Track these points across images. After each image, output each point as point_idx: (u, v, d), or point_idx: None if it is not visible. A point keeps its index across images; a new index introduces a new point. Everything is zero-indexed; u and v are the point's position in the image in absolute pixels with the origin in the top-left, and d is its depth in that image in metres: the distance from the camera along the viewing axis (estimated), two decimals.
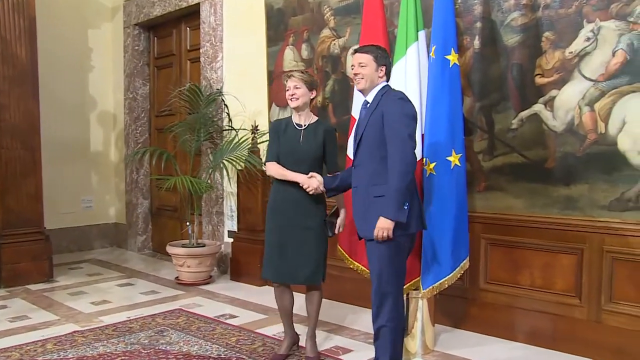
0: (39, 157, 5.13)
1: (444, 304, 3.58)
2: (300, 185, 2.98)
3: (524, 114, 3.38)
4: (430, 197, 3.12)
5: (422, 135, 3.22)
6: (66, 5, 6.34)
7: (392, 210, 2.57)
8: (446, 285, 3.16)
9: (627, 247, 3.05)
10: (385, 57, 2.78)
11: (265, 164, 3.21)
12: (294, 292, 3.24)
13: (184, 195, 5.17)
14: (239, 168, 4.96)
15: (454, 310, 3.69)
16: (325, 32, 4.43)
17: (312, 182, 2.96)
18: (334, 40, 4.37)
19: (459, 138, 3.14)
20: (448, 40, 3.12)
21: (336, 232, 3.13)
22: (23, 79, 4.99)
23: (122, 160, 6.68)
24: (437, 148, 3.12)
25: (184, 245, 5.08)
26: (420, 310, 3.31)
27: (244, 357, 3.25)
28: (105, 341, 3.52)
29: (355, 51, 2.83)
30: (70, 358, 3.23)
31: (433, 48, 3.15)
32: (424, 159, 3.18)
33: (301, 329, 3.40)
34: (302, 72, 3.11)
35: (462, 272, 3.21)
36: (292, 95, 3.06)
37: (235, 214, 5.24)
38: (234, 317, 4.07)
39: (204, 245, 5.11)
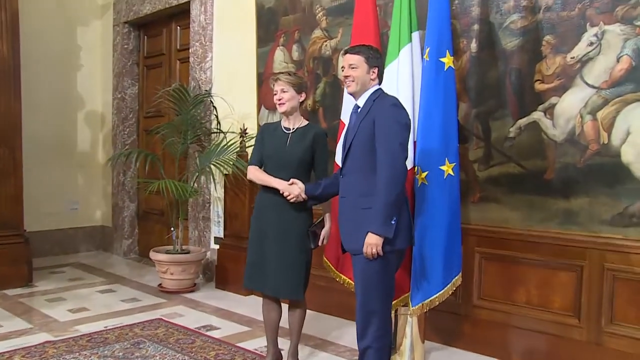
0: (20, 157, 4.94)
1: (435, 320, 3.40)
2: (281, 192, 2.80)
3: (523, 121, 3.20)
4: (421, 208, 2.94)
5: (415, 142, 3.04)
6: (53, 1, 6.15)
7: (378, 224, 2.40)
8: (437, 303, 2.98)
9: (629, 264, 2.87)
10: (377, 58, 2.61)
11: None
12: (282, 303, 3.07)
13: (170, 199, 4.99)
14: (226, 172, 4.79)
15: (445, 326, 3.51)
16: (317, 32, 4.25)
17: (293, 189, 2.79)
18: (325, 41, 4.20)
19: (453, 146, 2.96)
20: (443, 41, 2.94)
21: (320, 244, 2.94)
22: (4, 75, 4.81)
23: (108, 162, 6.49)
24: (429, 156, 2.94)
25: (167, 252, 4.90)
26: (409, 326, 3.12)
27: None
28: (78, 353, 3.34)
29: (346, 52, 2.65)
30: None
31: (427, 50, 2.98)
32: (416, 168, 3.00)
33: (285, 343, 3.22)
34: (290, 75, 2.93)
35: (454, 288, 3.02)
36: (280, 99, 2.89)
37: (222, 220, 5.06)
38: (216, 328, 3.89)
39: (188, 252, 4.93)
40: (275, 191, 2.84)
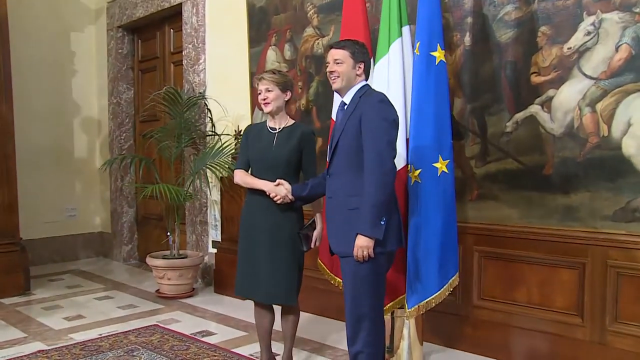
0: (14, 165, 4.87)
1: (434, 321, 3.31)
2: (267, 194, 2.71)
3: (519, 116, 3.11)
4: (415, 207, 2.84)
5: (407, 139, 2.95)
6: (45, 6, 6.08)
7: (368, 226, 2.31)
8: (433, 304, 2.88)
9: (633, 261, 2.76)
10: (363, 53, 2.52)
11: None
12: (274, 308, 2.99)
13: (167, 203, 4.92)
14: (222, 175, 4.71)
15: (445, 328, 3.41)
16: (309, 31, 4.17)
17: (279, 190, 2.70)
18: (317, 39, 4.11)
19: (447, 142, 2.86)
20: (434, 35, 2.84)
21: (312, 246, 2.86)
22: None
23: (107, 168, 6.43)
24: (422, 153, 2.84)
25: (164, 257, 4.83)
26: (407, 328, 3.03)
27: None
28: None
29: (331, 47, 2.57)
30: None
31: (417, 44, 2.88)
32: (409, 166, 2.91)
33: (281, 348, 3.13)
34: (274, 73, 2.84)
35: (451, 289, 2.93)
36: (265, 99, 2.81)
37: (219, 224, 4.99)
38: (212, 334, 3.81)
39: (185, 257, 4.85)
40: (263, 194, 2.76)
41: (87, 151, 6.56)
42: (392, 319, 3.06)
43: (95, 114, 6.59)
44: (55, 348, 3.52)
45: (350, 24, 3.18)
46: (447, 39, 3.33)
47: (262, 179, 2.79)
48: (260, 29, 4.54)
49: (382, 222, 2.32)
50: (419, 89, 2.86)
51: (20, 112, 5.53)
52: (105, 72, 6.40)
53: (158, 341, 3.62)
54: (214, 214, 5.13)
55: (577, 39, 2.89)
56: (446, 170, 2.84)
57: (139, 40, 6.25)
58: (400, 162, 2.86)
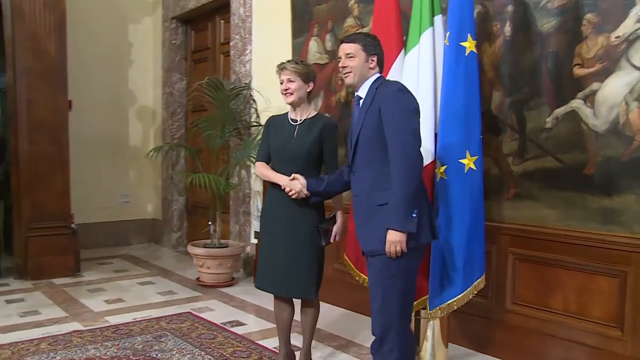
0: (67, 153, 5.09)
1: (464, 323, 3.18)
2: (282, 188, 2.67)
3: (560, 111, 2.90)
4: (440, 205, 2.72)
5: (436, 134, 2.82)
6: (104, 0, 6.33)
7: (399, 220, 2.21)
8: (455, 307, 2.75)
9: None
10: (376, 45, 2.41)
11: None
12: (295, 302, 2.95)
13: (211, 193, 4.99)
14: None
15: (476, 331, 3.26)
16: (349, 21, 4.08)
17: (294, 184, 2.64)
18: (358, 29, 4.02)
19: (476, 138, 2.71)
20: (464, 24, 2.69)
21: (331, 240, 2.79)
22: (52, 74, 4.96)
23: (159, 156, 6.60)
24: (449, 149, 2.71)
25: (205, 245, 4.89)
26: (430, 329, 2.92)
27: None
28: (100, 344, 3.37)
29: (341, 41, 2.47)
30: None
31: (447, 34, 2.74)
32: (436, 162, 2.78)
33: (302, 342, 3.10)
34: (296, 63, 2.77)
35: (476, 292, 2.78)
36: (286, 89, 2.75)
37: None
38: (242, 324, 3.83)
39: (226, 246, 4.90)
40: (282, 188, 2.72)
41: (141, 140, 6.77)
42: (417, 319, 2.95)
43: (150, 104, 6.78)
44: (90, 329, 3.64)
45: (382, 12, 3.07)
46: (487, 29, 3.17)
47: (281, 171, 2.74)
48: (303, 20, 4.50)
49: (414, 215, 2.21)
50: (448, 81, 2.72)
51: (79, 103, 5.79)
52: (160, 62, 6.56)
53: (187, 329, 3.67)
54: (256, 205, 5.15)
55: (626, 27, 2.66)
56: (474, 167, 2.69)
57: (192, 31, 6.36)
58: (427, 157, 2.74)
